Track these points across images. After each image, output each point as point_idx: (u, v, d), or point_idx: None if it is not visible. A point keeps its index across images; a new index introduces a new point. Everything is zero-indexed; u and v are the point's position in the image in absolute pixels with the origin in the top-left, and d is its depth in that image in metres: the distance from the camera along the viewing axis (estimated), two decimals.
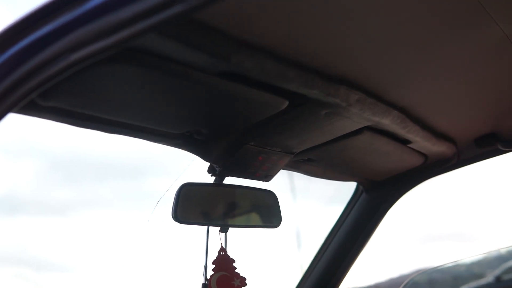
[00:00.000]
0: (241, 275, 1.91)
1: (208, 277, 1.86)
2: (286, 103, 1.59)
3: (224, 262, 1.91)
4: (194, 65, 1.33)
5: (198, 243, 1.91)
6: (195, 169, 1.94)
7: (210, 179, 1.92)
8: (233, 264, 1.92)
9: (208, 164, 1.90)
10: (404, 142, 2.12)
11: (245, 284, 1.92)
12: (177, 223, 1.78)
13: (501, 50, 1.61)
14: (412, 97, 1.83)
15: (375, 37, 1.42)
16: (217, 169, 1.88)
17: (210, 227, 1.91)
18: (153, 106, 1.54)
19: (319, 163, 2.24)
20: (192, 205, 1.85)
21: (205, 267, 1.87)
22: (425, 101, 1.90)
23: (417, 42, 1.50)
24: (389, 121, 1.83)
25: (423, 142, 2.12)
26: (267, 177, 2.02)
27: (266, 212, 2.07)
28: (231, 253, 1.93)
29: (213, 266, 1.89)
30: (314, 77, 1.49)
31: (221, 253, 1.91)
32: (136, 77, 1.32)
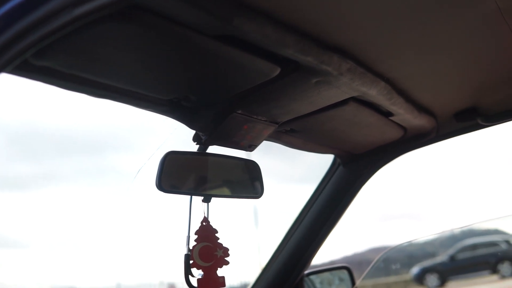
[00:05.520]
0: (223, 245, 1.88)
1: (191, 247, 1.82)
2: (278, 70, 1.57)
3: (206, 232, 1.87)
4: (194, 26, 1.29)
5: (182, 213, 1.87)
6: (172, 138, 1.90)
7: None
8: (216, 234, 1.89)
9: (193, 132, 1.86)
10: (387, 114, 2.12)
11: (228, 255, 1.89)
12: (161, 193, 1.74)
13: (491, 24, 1.61)
14: (399, 69, 1.83)
15: (373, 7, 1.41)
16: (203, 137, 1.84)
17: (193, 197, 1.87)
18: (145, 69, 1.50)
19: (301, 134, 2.22)
20: (176, 174, 1.81)
21: (188, 237, 1.83)
22: (411, 74, 1.90)
23: (412, 16, 1.49)
24: (376, 92, 1.83)
25: (404, 115, 2.12)
26: (250, 147, 2.00)
27: (249, 182, 2.04)
28: (214, 223, 1.90)
29: (196, 236, 1.85)
30: (310, 43, 1.48)
31: (204, 224, 1.88)
32: (134, 37, 1.28)
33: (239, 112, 1.79)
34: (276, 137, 2.21)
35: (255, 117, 1.85)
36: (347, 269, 3.05)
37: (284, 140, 2.26)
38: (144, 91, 1.62)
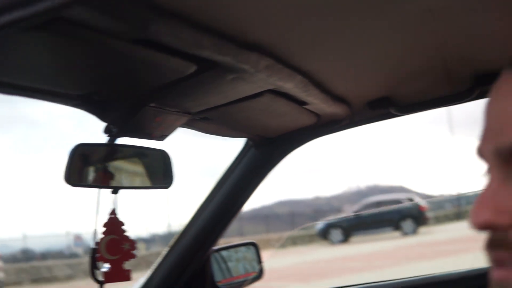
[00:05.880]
0: (130, 238, 1.86)
1: (98, 240, 1.79)
2: (194, 68, 1.53)
3: (114, 225, 1.84)
4: (109, 32, 1.24)
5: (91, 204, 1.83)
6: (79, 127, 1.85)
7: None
8: (122, 227, 1.86)
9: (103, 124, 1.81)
10: (301, 103, 2.12)
11: (135, 248, 1.86)
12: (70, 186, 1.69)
13: (417, 21, 1.59)
14: (316, 62, 1.81)
15: (289, 4, 1.37)
16: (114, 130, 1.80)
17: (102, 189, 1.82)
18: (56, 69, 1.45)
19: (214, 121, 2.20)
20: (85, 167, 1.76)
21: (95, 230, 1.80)
22: (327, 67, 1.89)
23: (330, 11, 1.45)
24: (292, 85, 1.83)
25: (319, 104, 2.13)
26: (162, 137, 1.96)
27: (159, 172, 2.01)
28: (120, 215, 1.86)
29: (104, 229, 1.82)
30: (227, 44, 1.45)
31: (112, 216, 1.84)
32: (46, 42, 1.23)
33: (152, 105, 1.75)
34: (188, 124, 2.17)
35: (168, 109, 1.82)
36: (254, 245, 3.09)
37: (197, 126, 2.23)
38: (54, 88, 1.57)
